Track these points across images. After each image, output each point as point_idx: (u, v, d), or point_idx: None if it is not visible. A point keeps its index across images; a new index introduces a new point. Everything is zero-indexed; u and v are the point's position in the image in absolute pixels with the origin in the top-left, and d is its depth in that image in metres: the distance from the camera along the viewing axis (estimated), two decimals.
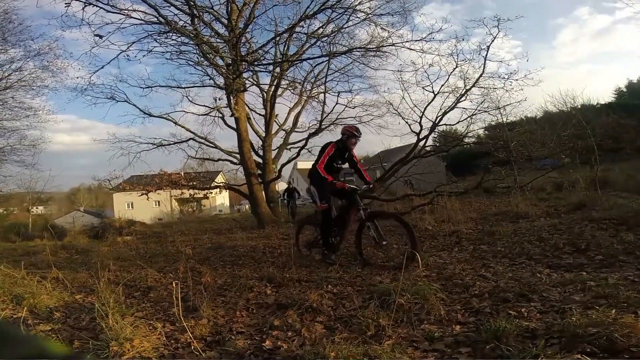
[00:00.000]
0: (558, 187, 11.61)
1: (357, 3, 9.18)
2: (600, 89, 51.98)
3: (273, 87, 12.25)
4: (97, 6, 7.76)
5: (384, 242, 4.19)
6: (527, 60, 19.67)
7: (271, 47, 10.62)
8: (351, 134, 4.42)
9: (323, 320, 2.41)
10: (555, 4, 77.73)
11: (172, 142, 12.17)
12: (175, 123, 11.75)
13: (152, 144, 11.95)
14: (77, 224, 23.59)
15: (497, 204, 8.70)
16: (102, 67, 9.74)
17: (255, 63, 9.43)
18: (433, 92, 10.36)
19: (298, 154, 12.94)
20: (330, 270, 3.90)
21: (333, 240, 4.42)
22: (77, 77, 15.55)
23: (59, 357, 0.36)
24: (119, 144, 11.69)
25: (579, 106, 19.34)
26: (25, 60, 13.90)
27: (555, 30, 73.05)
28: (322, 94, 12.85)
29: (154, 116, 11.60)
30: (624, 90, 30.78)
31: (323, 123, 12.66)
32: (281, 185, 24.32)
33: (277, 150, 12.85)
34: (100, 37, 8.19)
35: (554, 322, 1.86)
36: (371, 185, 4.66)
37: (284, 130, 13.40)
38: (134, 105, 11.27)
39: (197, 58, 9.90)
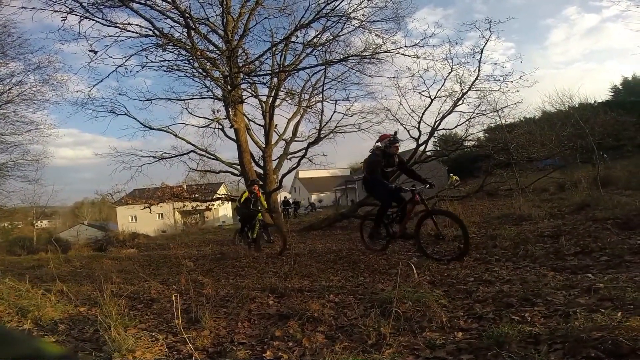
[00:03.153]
0: (561, 187, 11.55)
1: (351, 11, 9.29)
2: (596, 88, 52.15)
3: (271, 97, 12.34)
4: (92, 20, 7.87)
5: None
6: (521, 62, 19.84)
7: (268, 58, 10.74)
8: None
9: (324, 330, 2.39)
10: (543, 5, 78.91)
11: (173, 155, 12.19)
12: (176, 136, 11.81)
13: (153, 157, 11.98)
14: (81, 237, 23.67)
15: (500, 207, 8.66)
16: (101, 81, 9.88)
17: (252, 74, 9.51)
18: (430, 97, 10.40)
19: (298, 163, 12.94)
20: (331, 279, 3.88)
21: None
22: (77, 91, 15.66)
23: (54, 357, 0.36)
24: (120, 158, 11.72)
25: (577, 105, 19.33)
26: (26, 73, 14.00)
27: (545, 30, 74.12)
28: (320, 103, 12.93)
29: (154, 129, 11.66)
30: (620, 87, 30.90)
31: (322, 132, 12.70)
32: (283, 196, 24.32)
33: (277, 160, 12.88)
34: (95, 52, 8.28)
35: (557, 327, 1.83)
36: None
37: (283, 140, 13.45)
38: (134, 118, 11.37)
39: (193, 71, 9.99)
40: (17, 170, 16.28)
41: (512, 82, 9.83)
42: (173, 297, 2.88)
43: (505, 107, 10.47)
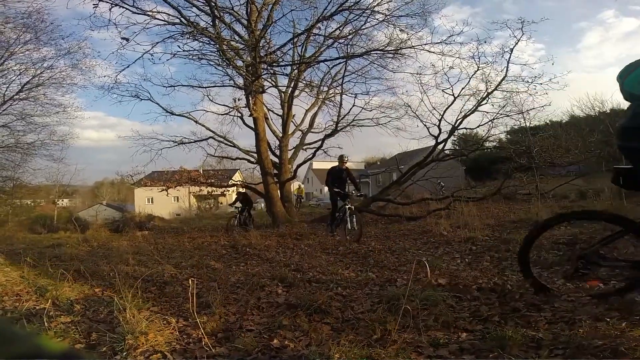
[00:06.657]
0: (582, 195, 11.23)
1: (375, 4, 9.15)
2: None
3: (290, 88, 12.36)
4: (123, 7, 8.04)
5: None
6: (553, 64, 19.10)
7: (289, 49, 10.73)
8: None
9: (331, 322, 2.44)
10: (578, 8, 76.00)
11: (192, 140, 12.41)
12: (196, 122, 12.00)
13: (173, 141, 12.23)
14: (99, 217, 24.47)
15: (517, 211, 8.51)
16: (128, 67, 10.07)
17: (274, 65, 9.54)
18: (453, 95, 10.25)
19: (314, 154, 12.99)
20: (341, 272, 3.94)
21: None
22: (105, 76, 16.07)
23: (55, 355, 0.35)
24: (142, 141, 11.98)
25: (608, 111, 18.56)
26: (56, 58, 14.53)
27: (579, 33, 71.67)
28: (339, 95, 12.87)
29: (175, 114, 11.86)
30: None
31: (339, 124, 12.68)
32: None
33: (293, 150, 12.95)
34: (127, 39, 8.48)
35: (561, 333, 1.85)
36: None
37: (300, 130, 13.48)
38: (157, 103, 11.57)
39: (217, 60, 10.09)
40: (44, 149, 16.97)
41: (541, 84, 9.61)
42: (189, 281, 2.97)
43: (531, 109, 10.25)
